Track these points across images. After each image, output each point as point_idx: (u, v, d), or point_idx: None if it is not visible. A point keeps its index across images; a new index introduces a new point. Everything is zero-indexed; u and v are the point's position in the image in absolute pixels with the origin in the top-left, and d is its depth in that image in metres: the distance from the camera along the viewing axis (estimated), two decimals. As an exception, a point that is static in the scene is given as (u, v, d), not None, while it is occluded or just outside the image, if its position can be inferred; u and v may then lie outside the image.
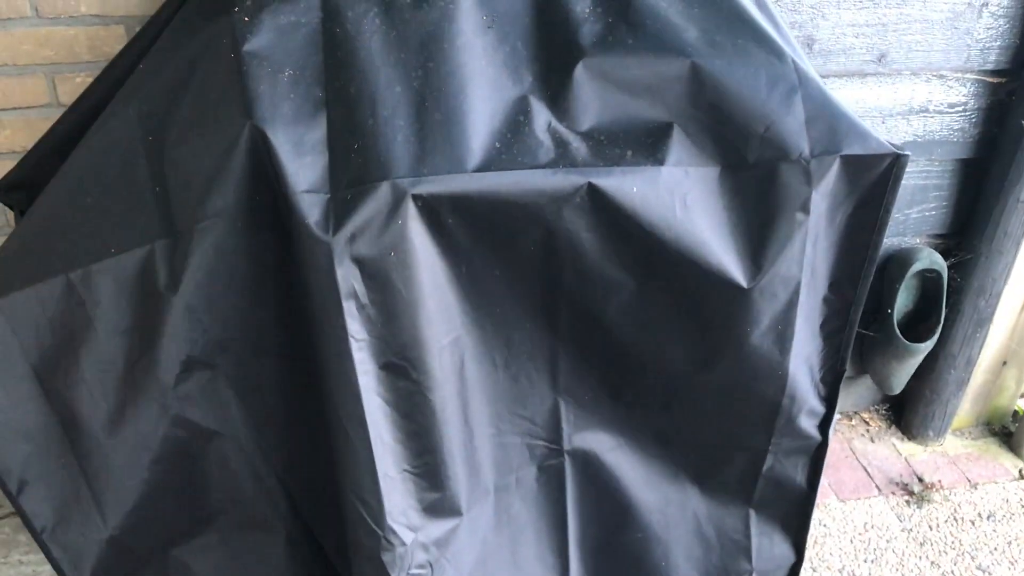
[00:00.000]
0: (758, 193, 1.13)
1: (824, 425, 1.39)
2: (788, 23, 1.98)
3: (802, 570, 2.35)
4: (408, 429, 1.15)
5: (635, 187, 1.08)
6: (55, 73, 1.98)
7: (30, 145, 2.06)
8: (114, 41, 1.96)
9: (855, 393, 2.79)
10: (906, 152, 1.14)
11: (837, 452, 2.69)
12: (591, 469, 1.34)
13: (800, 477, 1.43)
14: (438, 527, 1.21)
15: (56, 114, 2.01)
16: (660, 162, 1.10)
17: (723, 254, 1.14)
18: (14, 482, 1.29)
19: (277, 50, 1.11)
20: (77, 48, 1.95)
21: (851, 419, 2.79)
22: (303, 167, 1.05)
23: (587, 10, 1.15)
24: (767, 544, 1.50)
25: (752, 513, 1.47)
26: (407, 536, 1.17)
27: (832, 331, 1.31)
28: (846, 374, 2.70)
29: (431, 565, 1.21)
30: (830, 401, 1.37)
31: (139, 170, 1.14)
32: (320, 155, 1.07)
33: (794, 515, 1.49)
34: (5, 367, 1.21)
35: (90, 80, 2.00)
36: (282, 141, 1.06)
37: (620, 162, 1.09)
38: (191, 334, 1.16)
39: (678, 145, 1.12)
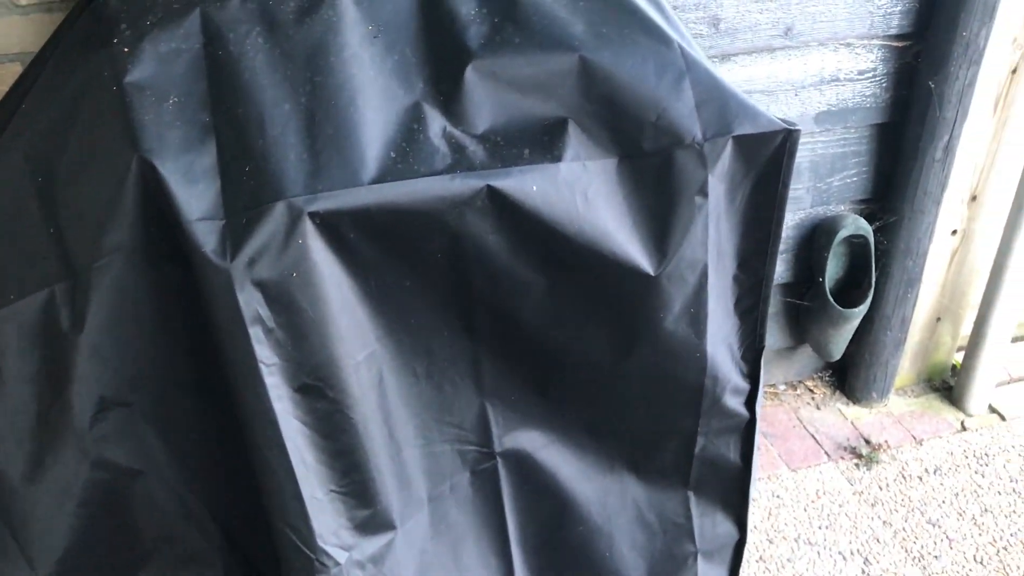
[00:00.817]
0: (656, 180, 1.14)
1: (750, 402, 1.40)
2: (692, 4, 1.99)
3: (758, 542, 2.37)
4: (331, 449, 1.14)
5: (535, 186, 1.08)
6: (-48, 116, 1.93)
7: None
8: (10, 79, 1.91)
9: (798, 363, 2.82)
10: (797, 127, 1.15)
11: (784, 422, 2.72)
12: (525, 468, 1.34)
13: (733, 455, 1.44)
14: (372, 543, 1.20)
15: (-42, 159, 1.95)
16: (558, 158, 1.10)
17: (628, 244, 1.14)
18: (-63, 542, 1.26)
19: (160, 78, 1.09)
20: (-27, 88, 1.90)
21: (796, 388, 2.83)
22: (195, 195, 1.04)
23: (472, 12, 1.15)
24: (709, 524, 1.51)
25: (691, 495, 1.48)
26: (340, 556, 1.16)
27: (746, 309, 1.32)
28: (787, 345, 2.73)
29: (369, 583, 1.20)
30: (753, 377, 1.39)
31: (31, 213, 1.12)
32: (212, 181, 1.05)
33: (733, 492, 1.50)
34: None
35: (-9, 121, 1.94)
36: (171, 170, 1.04)
37: (518, 162, 1.09)
38: (102, 374, 1.14)
39: (574, 140, 1.12)
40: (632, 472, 1.42)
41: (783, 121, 1.15)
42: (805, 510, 2.46)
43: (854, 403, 2.77)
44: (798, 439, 2.67)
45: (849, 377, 2.76)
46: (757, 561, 2.32)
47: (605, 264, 1.14)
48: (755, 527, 2.41)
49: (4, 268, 1.14)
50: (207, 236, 1.03)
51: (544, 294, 1.18)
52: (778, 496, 2.51)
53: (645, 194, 1.14)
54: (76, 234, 1.09)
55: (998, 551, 2.32)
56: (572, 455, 1.36)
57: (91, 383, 1.14)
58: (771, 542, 2.38)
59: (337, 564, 1.15)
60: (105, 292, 1.09)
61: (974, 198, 2.49)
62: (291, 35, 1.11)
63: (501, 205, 1.09)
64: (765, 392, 2.78)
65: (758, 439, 1.44)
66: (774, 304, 2.55)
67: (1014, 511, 2.42)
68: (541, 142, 1.11)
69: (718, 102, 1.13)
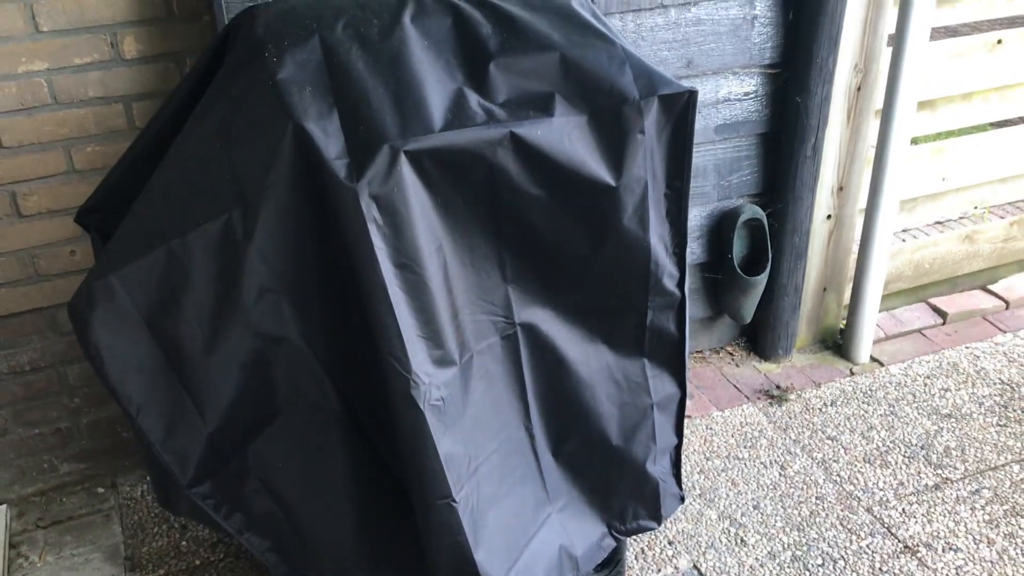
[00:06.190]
0: (613, 125, 1.78)
1: (680, 284, 2.01)
2: (618, 45, 2.66)
3: (698, 460, 2.95)
4: (417, 307, 1.72)
5: (539, 131, 1.73)
6: (71, 147, 2.49)
7: (55, 207, 2.58)
8: (115, 116, 2.48)
9: (719, 332, 3.43)
10: (696, 89, 1.83)
11: (712, 378, 3.32)
12: (535, 336, 1.93)
13: (672, 327, 2.05)
14: (443, 374, 1.78)
15: (74, 180, 2.54)
16: (551, 115, 1.75)
17: (597, 166, 1.79)
18: (134, 408, 1.79)
19: (299, 76, 1.71)
20: (87, 124, 2.46)
21: (719, 353, 3.45)
22: (330, 144, 1.65)
23: (488, 31, 1.80)
24: (659, 383, 2.10)
25: (646, 361, 2.07)
26: (425, 379, 1.73)
27: (674, 216, 1.95)
28: (709, 316, 3.34)
29: (443, 400, 1.78)
30: (681, 266, 1.99)
31: (214, 164, 1.71)
32: (339, 136, 1.66)
33: (673, 358, 2.09)
34: (123, 321, 1.73)
35: (99, 149, 2.52)
36: (314, 130, 1.65)
37: (527, 118, 1.74)
38: (262, 270, 1.71)
39: (559, 105, 1.77)
40: (605, 343, 2.02)
41: (686, 86, 1.82)
42: (733, 437, 3.06)
43: (765, 360, 3.39)
44: (723, 389, 3.29)
45: (759, 339, 3.37)
46: (699, 473, 2.90)
47: (584, 180, 1.78)
48: (695, 450, 3.00)
49: (194, 203, 1.72)
50: (340, 168, 1.63)
51: (546, 204, 1.80)
52: (711, 428, 3.10)
53: (606, 134, 1.78)
54: (247, 175, 1.69)
55: (881, 454, 2.95)
56: (564, 326, 1.95)
57: (255, 277, 1.72)
58: (707, 459, 2.97)
59: (425, 383, 1.73)
60: (268, 212, 1.68)
61: (841, 189, 3.17)
62: (379, 49, 1.75)
63: (519, 144, 1.72)
64: (694, 357, 3.40)
65: (688, 316, 2.05)
66: (696, 280, 3.19)
67: (892, 426, 3.06)
68: (539, 106, 1.76)
69: (647, 76, 1.80)
